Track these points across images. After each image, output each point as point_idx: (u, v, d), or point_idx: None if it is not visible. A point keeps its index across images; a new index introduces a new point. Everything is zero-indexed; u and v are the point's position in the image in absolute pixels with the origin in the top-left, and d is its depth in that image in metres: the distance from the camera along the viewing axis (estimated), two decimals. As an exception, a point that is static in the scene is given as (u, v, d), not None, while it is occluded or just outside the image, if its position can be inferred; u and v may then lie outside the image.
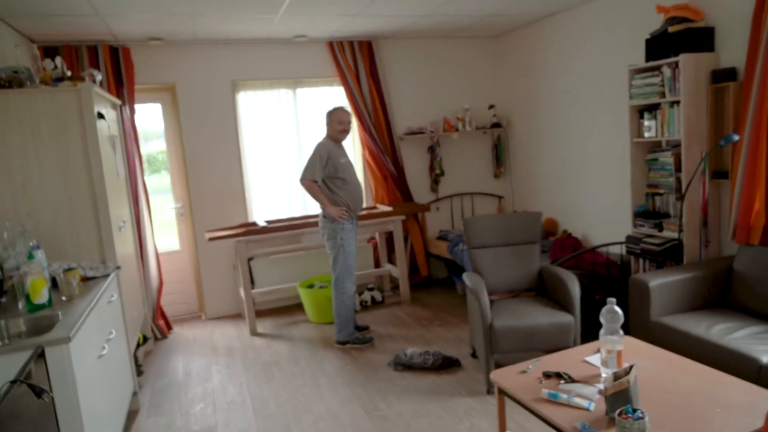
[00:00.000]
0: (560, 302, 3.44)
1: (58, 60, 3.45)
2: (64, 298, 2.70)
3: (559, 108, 5.08)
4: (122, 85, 4.65)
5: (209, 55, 4.95)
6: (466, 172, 5.96)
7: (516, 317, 3.26)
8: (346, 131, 4.20)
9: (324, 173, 4.06)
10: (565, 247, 4.68)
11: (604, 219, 4.69)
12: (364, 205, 5.64)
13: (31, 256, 2.63)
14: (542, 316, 3.25)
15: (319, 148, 4.10)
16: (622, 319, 2.24)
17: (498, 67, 5.89)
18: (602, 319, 2.28)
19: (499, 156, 5.96)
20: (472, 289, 3.37)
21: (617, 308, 2.25)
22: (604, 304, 2.29)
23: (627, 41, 4.21)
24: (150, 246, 4.79)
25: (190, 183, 5.02)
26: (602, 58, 4.49)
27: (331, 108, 4.24)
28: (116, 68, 4.63)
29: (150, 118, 5.18)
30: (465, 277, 3.61)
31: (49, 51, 4.44)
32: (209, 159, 5.05)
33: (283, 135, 5.33)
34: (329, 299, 4.57)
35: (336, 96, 5.49)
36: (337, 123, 4.15)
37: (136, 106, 4.97)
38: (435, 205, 5.84)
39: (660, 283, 3.13)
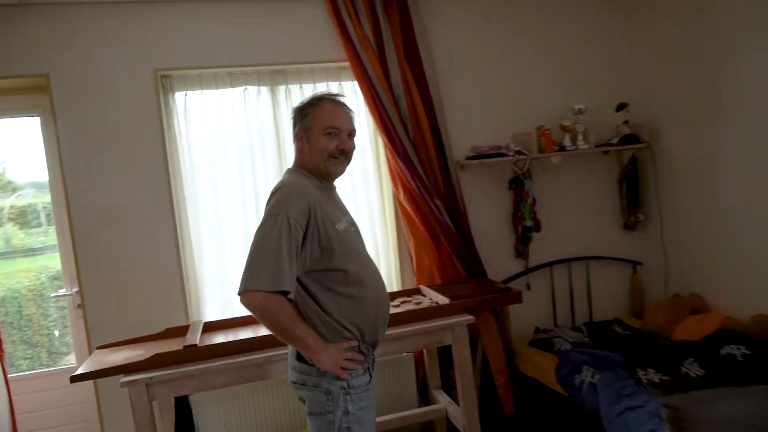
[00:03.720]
0: None
1: None
2: None
3: (782, 97, 2.53)
4: (-57, 81, 2.52)
5: (113, 25, 2.76)
6: (575, 221, 3.44)
7: None
8: (344, 152, 1.81)
9: (301, 266, 1.68)
10: None
11: None
12: (398, 287, 3.24)
13: None
14: None
15: (284, 200, 1.67)
16: None
17: (635, 37, 3.40)
18: None
19: (635, 192, 3.42)
20: None
21: None
22: None
23: None
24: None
25: (80, 255, 2.78)
26: None
27: (307, 99, 1.84)
28: (-68, 50, 2.52)
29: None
30: None
31: None
32: (115, 214, 2.81)
33: (253, 167, 3.04)
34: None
35: (347, 96, 3.17)
36: (321, 132, 1.76)
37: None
38: (524, 281, 3.35)
39: None
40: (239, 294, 1.60)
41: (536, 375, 2.95)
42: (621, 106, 3.25)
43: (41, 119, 2.89)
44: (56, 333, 3.16)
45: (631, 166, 3.41)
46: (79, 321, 3.00)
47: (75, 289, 3.00)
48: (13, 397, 2.71)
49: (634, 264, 3.52)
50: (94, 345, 2.75)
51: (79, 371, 2.24)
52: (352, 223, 1.86)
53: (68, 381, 2.39)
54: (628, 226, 3.49)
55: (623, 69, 3.44)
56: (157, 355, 2.28)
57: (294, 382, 1.80)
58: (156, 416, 2.68)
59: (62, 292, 3.00)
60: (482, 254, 3.19)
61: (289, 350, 1.84)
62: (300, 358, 1.74)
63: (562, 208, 3.41)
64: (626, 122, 3.27)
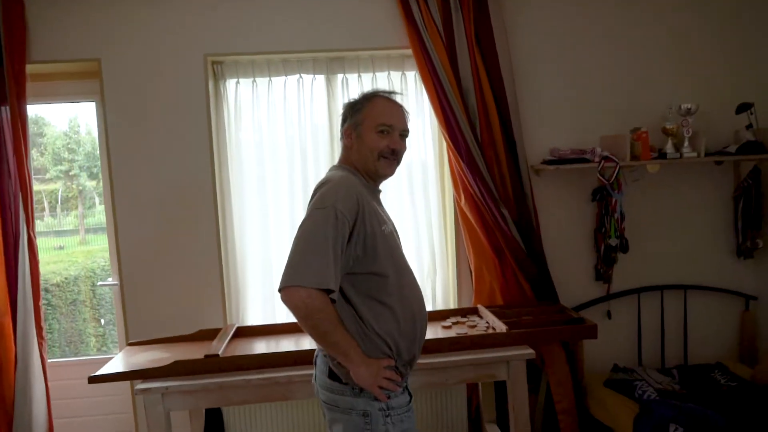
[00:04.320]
0: None
1: None
2: None
3: None
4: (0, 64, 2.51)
5: (164, 9, 2.62)
6: (673, 243, 2.90)
7: None
8: (395, 152, 1.65)
9: (343, 265, 1.51)
10: None
11: None
12: (454, 304, 2.91)
13: None
14: None
15: (331, 193, 1.52)
16: None
17: (761, 26, 2.80)
18: None
19: (755, 211, 2.81)
20: None
21: None
22: None
23: None
24: (34, 360, 2.56)
25: (122, 245, 2.70)
26: None
27: (359, 95, 1.70)
28: (-10, 32, 2.51)
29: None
30: None
31: None
32: (158, 205, 2.70)
33: (303, 161, 2.82)
34: None
35: (409, 88, 2.85)
36: (372, 129, 1.63)
37: (48, 107, 2.90)
38: (604, 308, 2.88)
39: None
40: (280, 290, 1.45)
41: (610, 423, 2.49)
42: (743, 107, 2.65)
43: (96, 105, 2.84)
44: (102, 321, 3.15)
45: (751, 180, 2.80)
46: (121, 317, 2.95)
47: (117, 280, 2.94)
48: (53, 383, 2.70)
49: (748, 298, 2.91)
50: (131, 338, 2.67)
51: (99, 372, 2.13)
52: (395, 230, 1.69)
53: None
54: (743, 253, 2.88)
55: (749, 61, 2.82)
56: (175, 362, 2.12)
57: (325, 402, 1.61)
58: (185, 421, 2.57)
59: (109, 281, 2.95)
60: (555, 274, 2.76)
61: (317, 367, 1.64)
62: (332, 375, 1.57)
63: (656, 226, 2.88)
64: (749, 127, 2.68)
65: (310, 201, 1.56)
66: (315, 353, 1.69)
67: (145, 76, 2.64)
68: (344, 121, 1.68)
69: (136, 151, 2.66)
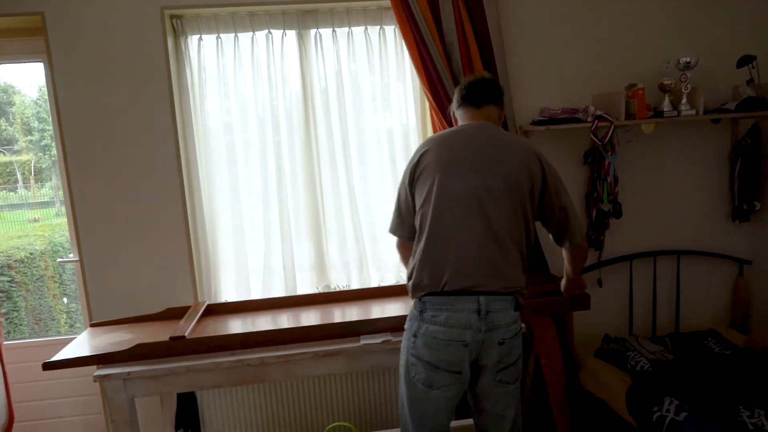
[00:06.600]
0: None
1: None
2: None
3: None
4: (-73, 18, 2.24)
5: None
6: (666, 206, 2.78)
7: None
8: None
9: None
10: None
11: None
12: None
13: None
14: None
15: None
16: None
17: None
18: None
19: (752, 172, 2.68)
20: None
21: None
22: None
23: None
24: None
25: (79, 219, 2.50)
26: None
27: None
28: None
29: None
30: None
31: None
32: (117, 176, 2.48)
33: (275, 124, 2.61)
34: None
35: (388, 43, 2.63)
36: None
37: (18, 74, 2.61)
38: (595, 276, 2.76)
39: None
40: (579, 242, 1.88)
41: (602, 395, 2.39)
42: (745, 60, 2.49)
43: (44, 65, 2.58)
44: (65, 300, 2.96)
45: (750, 139, 2.65)
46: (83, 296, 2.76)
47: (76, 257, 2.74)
48: (13, 366, 2.53)
49: (742, 263, 2.81)
50: (95, 317, 2.50)
51: (55, 357, 1.96)
52: None
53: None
54: (738, 215, 2.77)
55: (751, 10, 2.64)
56: (138, 345, 1.95)
57: (512, 338, 1.75)
58: (155, 405, 2.43)
59: (71, 257, 2.75)
60: (544, 242, 2.61)
61: (499, 314, 1.70)
62: (516, 309, 1.76)
63: (650, 189, 2.75)
64: (750, 81, 2.52)
65: (538, 163, 1.76)
66: (482, 306, 1.68)
67: (96, 31, 2.38)
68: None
69: (89, 116, 2.42)
